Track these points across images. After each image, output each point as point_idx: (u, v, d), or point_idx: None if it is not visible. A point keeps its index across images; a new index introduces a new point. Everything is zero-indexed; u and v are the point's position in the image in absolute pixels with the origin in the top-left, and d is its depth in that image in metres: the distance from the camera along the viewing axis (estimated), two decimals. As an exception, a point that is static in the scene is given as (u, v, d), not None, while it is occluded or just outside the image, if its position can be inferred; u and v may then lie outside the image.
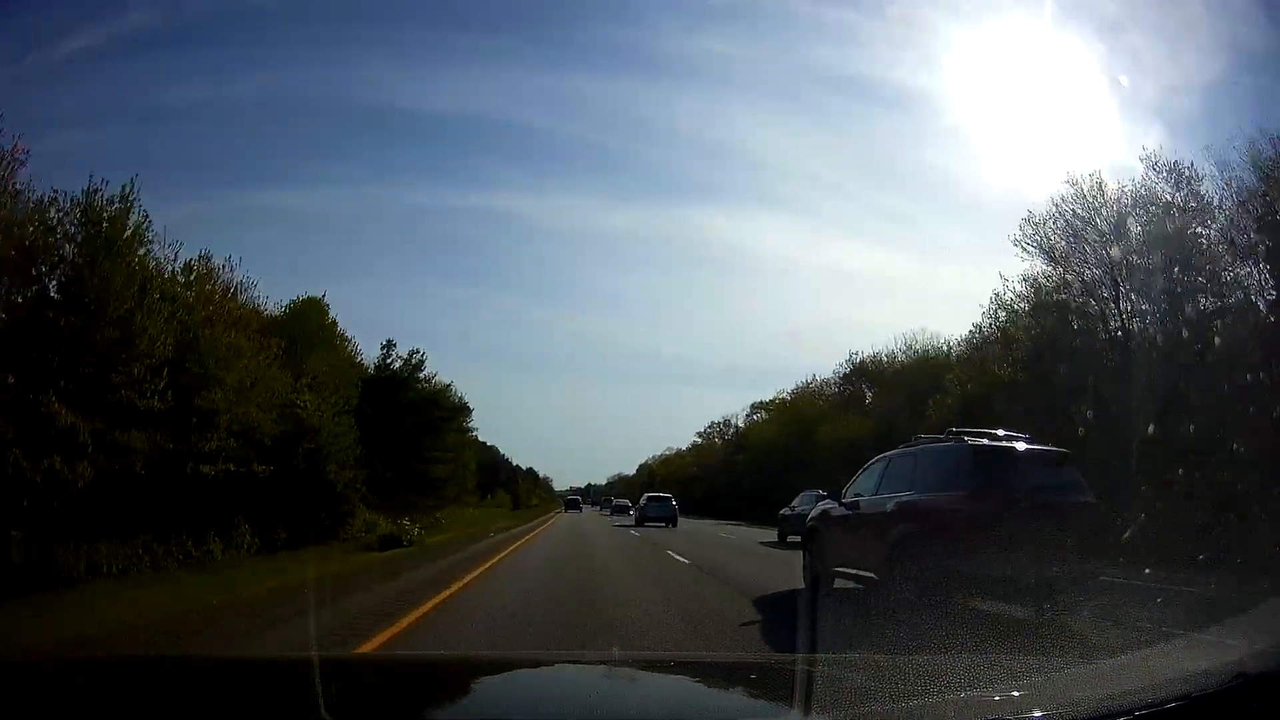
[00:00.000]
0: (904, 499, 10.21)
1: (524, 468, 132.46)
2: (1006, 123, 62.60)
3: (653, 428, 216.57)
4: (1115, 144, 51.54)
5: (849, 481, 12.13)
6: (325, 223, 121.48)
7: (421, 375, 43.39)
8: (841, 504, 11.82)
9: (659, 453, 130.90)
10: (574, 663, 3.66)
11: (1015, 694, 2.19)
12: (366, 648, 7.61)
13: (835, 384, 62.73)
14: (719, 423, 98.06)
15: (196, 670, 2.95)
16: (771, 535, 31.09)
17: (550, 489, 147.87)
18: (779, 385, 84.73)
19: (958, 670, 2.58)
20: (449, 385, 45.84)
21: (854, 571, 10.96)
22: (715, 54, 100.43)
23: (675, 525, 41.16)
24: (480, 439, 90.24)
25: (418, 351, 43.36)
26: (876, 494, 10.99)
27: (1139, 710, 1.73)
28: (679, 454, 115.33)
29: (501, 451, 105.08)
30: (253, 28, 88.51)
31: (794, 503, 28.48)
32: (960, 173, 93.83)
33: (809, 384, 68.64)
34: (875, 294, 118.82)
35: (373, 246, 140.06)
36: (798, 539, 25.25)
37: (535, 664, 3.44)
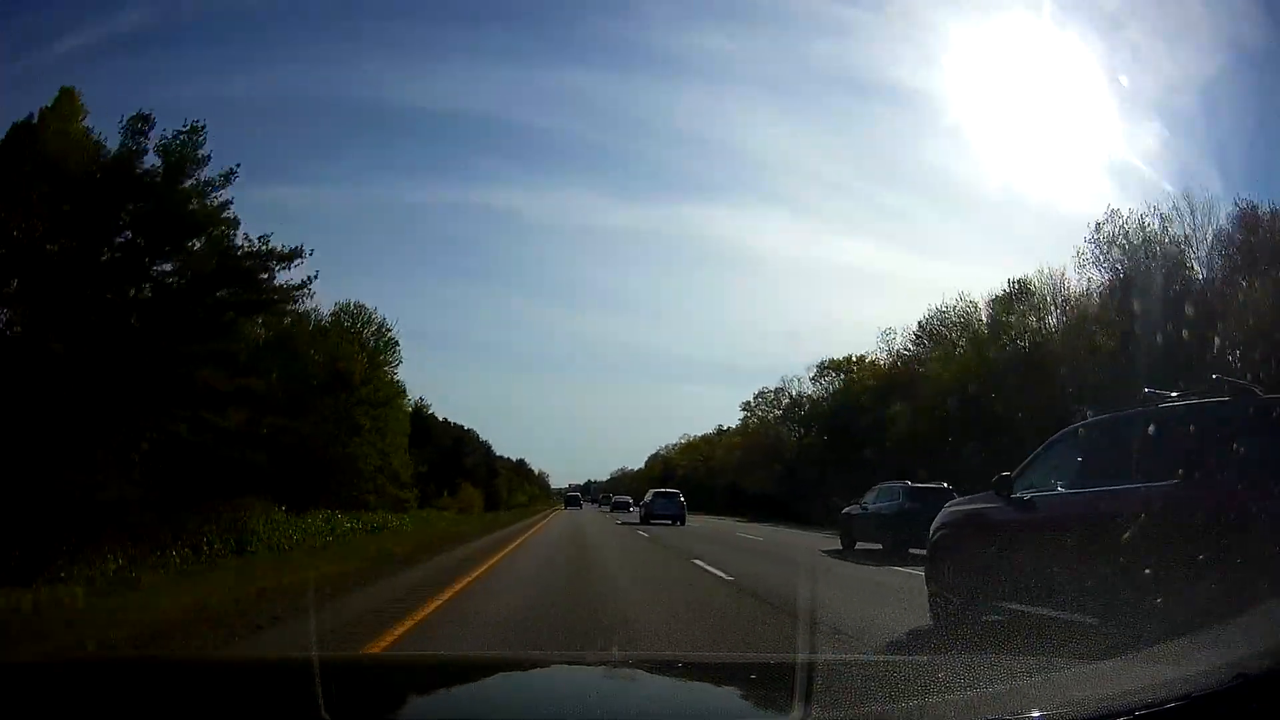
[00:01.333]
0: (1155, 492, 6.46)
1: (512, 459, 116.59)
2: (1007, 121, 62.74)
3: (653, 426, 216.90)
4: (1115, 142, 51.56)
5: (1020, 466, 8.21)
6: (324, 222, 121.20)
7: (200, 179, 20.01)
8: (1009, 501, 7.88)
9: (673, 441, 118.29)
10: (574, 663, 3.66)
11: (1015, 694, 2.19)
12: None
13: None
14: (769, 392, 75.80)
15: (196, 670, 2.95)
16: (822, 540, 25.46)
17: (545, 485, 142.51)
18: (779, 384, 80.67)
19: (958, 670, 2.58)
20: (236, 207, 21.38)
21: (1039, 610, 7.09)
22: (715, 50, 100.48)
23: (683, 523, 38.11)
24: (458, 423, 74.07)
25: (194, 127, 19.80)
26: (1082, 485, 7.33)
27: (1139, 710, 1.73)
28: (705, 440, 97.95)
29: (480, 436, 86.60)
30: (249, 26, 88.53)
31: (866, 498, 22.67)
32: (960, 171, 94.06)
33: (945, 312, 46.09)
34: (876, 293, 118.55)
35: (371, 245, 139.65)
36: (874, 547, 20.83)
37: (535, 664, 3.44)
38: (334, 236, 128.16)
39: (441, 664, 3.58)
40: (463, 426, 78.22)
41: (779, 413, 74.73)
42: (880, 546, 20.60)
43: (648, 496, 45.62)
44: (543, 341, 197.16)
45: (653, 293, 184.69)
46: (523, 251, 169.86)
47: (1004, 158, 70.88)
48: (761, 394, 77.77)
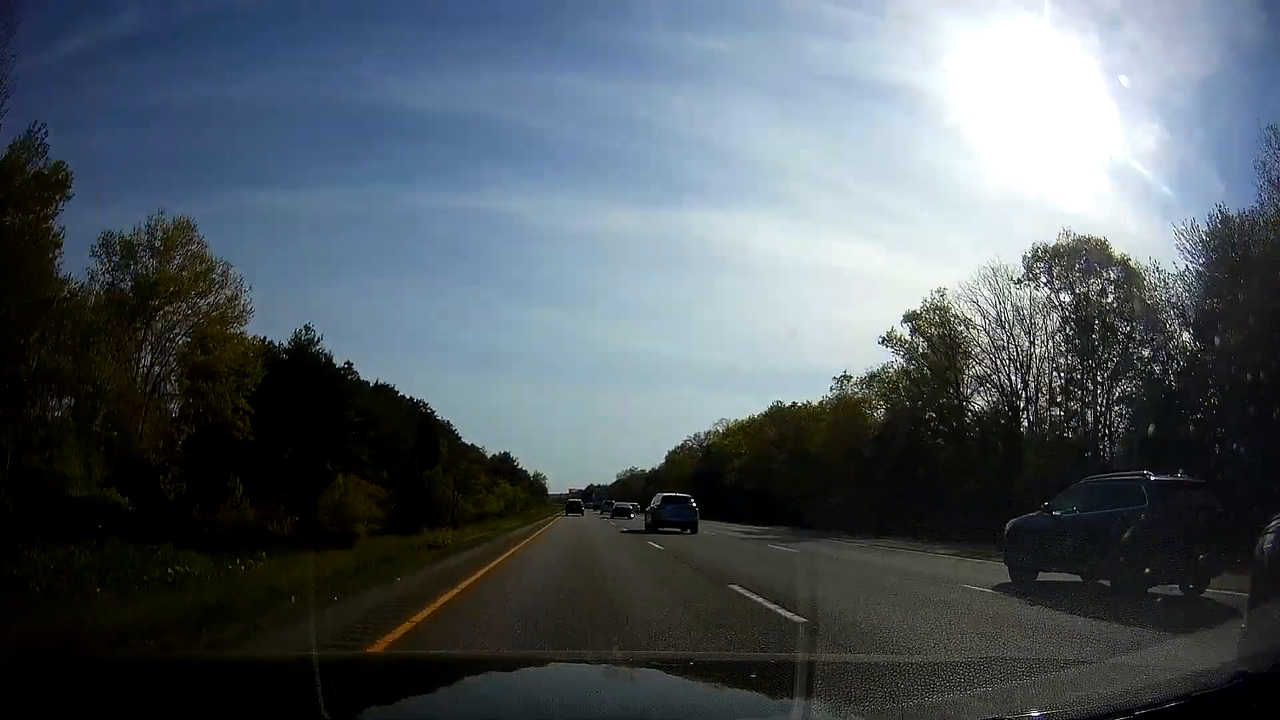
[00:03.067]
0: None
1: (489, 453, 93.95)
2: (1006, 120, 62.81)
3: (655, 430, 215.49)
4: (1114, 141, 51.23)
5: None
6: (321, 223, 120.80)
7: None
8: None
9: (685, 436, 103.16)
10: (574, 662, 3.66)
11: (1015, 694, 2.19)
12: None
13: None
14: (931, 311, 43.29)
15: (197, 670, 2.95)
16: (965, 565, 18.39)
17: (539, 489, 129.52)
18: (779, 385, 75.69)
19: (958, 670, 2.59)
20: None
21: None
22: (713, 52, 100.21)
23: (695, 530, 34.36)
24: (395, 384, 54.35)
25: None
26: None
27: (1139, 710, 1.73)
28: (772, 417, 72.62)
29: (417, 400, 59.75)
30: (245, 28, 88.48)
31: (1052, 504, 14.66)
32: (960, 171, 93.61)
33: None
34: (876, 295, 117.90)
35: (369, 248, 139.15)
36: (1066, 578, 13.48)
37: (536, 664, 3.44)
38: (332, 239, 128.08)
39: (441, 663, 3.57)
40: (391, 387, 52.37)
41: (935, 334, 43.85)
42: (1107, 581, 12.76)
43: (655, 501, 40.20)
44: (541, 344, 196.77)
45: (651, 296, 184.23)
46: (521, 255, 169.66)
47: (1003, 158, 70.86)
48: (924, 306, 43.82)
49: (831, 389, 57.03)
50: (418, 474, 44.84)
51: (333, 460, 33.38)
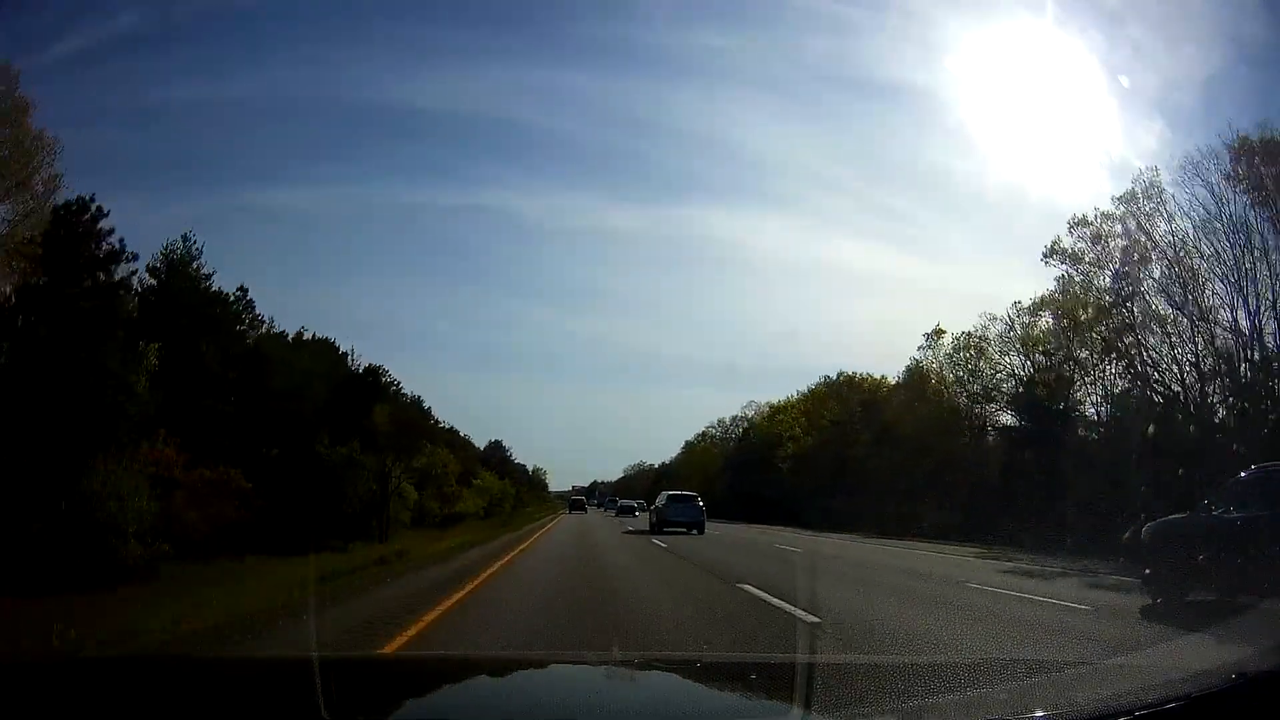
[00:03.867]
0: None
1: (472, 441, 76.70)
2: (1008, 119, 62.66)
3: (657, 426, 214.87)
4: (1115, 140, 50.85)
5: None
6: (321, 222, 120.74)
7: None
8: None
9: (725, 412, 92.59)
10: (574, 663, 3.66)
11: (1016, 694, 2.19)
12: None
13: None
14: (1107, 213, 29.64)
15: (197, 670, 2.95)
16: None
17: (535, 482, 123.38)
18: (779, 385, 73.61)
19: (958, 670, 2.60)
20: None
21: None
22: (714, 49, 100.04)
23: (701, 531, 33.43)
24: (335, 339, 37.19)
25: None
26: None
27: (1139, 710, 1.73)
28: (833, 388, 58.23)
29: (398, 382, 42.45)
30: (245, 27, 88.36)
31: (1213, 500, 11.32)
32: (961, 170, 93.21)
33: None
34: (875, 294, 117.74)
35: (369, 246, 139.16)
36: (1213, 601, 10.37)
37: (536, 664, 3.44)
38: (331, 238, 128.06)
39: (441, 664, 3.58)
40: (332, 341, 37.09)
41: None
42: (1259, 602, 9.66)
43: (660, 500, 39.07)
44: (541, 343, 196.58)
45: (653, 294, 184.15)
46: (522, 253, 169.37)
47: (1005, 157, 70.71)
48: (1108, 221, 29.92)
49: (921, 348, 44.66)
50: (315, 451, 27.37)
51: (101, 425, 18.08)
